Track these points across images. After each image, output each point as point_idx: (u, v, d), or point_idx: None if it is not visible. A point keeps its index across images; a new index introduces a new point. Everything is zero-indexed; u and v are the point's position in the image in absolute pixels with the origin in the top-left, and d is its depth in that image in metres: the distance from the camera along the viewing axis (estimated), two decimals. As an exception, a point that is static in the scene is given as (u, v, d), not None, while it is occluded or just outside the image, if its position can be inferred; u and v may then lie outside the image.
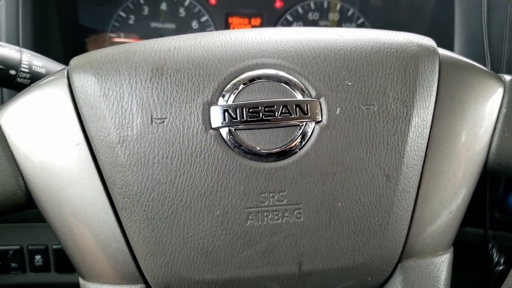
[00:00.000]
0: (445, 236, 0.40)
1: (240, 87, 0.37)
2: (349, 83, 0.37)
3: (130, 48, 0.40)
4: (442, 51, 0.41)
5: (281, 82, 0.37)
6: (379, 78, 0.38)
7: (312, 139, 0.37)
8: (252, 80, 0.37)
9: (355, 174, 0.36)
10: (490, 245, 0.75)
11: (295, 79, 0.37)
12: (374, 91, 0.37)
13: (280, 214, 0.36)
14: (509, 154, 0.40)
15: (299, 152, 0.36)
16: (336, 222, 0.36)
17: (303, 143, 0.36)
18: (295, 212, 0.36)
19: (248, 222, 0.36)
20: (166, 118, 0.36)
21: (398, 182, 0.37)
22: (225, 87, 0.37)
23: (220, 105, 0.36)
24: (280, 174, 0.36)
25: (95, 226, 0.37)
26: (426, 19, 0.86)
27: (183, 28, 0.94)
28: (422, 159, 0.38)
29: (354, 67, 0.38)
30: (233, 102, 0.36)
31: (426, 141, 0.38)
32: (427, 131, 0.38)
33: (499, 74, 0.43)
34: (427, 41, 0.41)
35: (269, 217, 0.36)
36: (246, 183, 0.36)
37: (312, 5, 0.94)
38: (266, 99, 0.37)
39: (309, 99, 0.37)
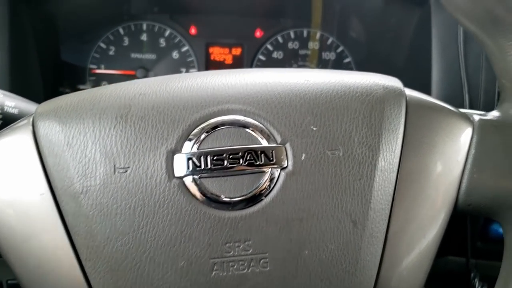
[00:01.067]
0: (416, 277, 0.39)
1: (205, 134, 0.36)
2: (314, 128, 0.37)
3: (95, 94, 0.39)
4: (409, 92, 0.41)
5: (246, 128, 0.37)
6: (344, 122, 0.37)
7: (278, 185, 0.36)
8: (217, 126, 0.37)
9: (321, 221, 0.36)
10: (472, 274, 0.74)
11: (260, 125, 0.37)
12: (339, 136, 0.37)
13: (246, 264, 0.36)
14: (479, 195, 0.40)
15: (265, 200, 0.36)
16: (303, 271, 0.36)
17: (268, 190, 0.36)
18: (261, 261, 0.36)
19: (213, 272, 0.35)
20: (129, 167, 0.36)
21: (365, 227, 0.36)
22: (189, 134, 0.37)
23: (184, 153, 0.36)
24: (246, 222, 0.36)
25: (60, 277, 0.36)
26: (405, 48, 0.87)
27: (163, 58, 0.94)
28: (390, 203, 0.37)
29: (319, 112, 0.38)
30: (197, 149, 0.36)
31: (393, 184, 0.37)
32: (394, 174, 0.37)
33: (468, 113, 0.43)
34: (394, 83, 0.41)
35: (235, 267, 0.36)
36: (211, 233, 0.35)
37: (292, 34, 0.95)
38: (231, 146, 0.36)
39: (275, 145, 0.37)
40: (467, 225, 0.73)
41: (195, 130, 0.37)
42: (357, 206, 0.36)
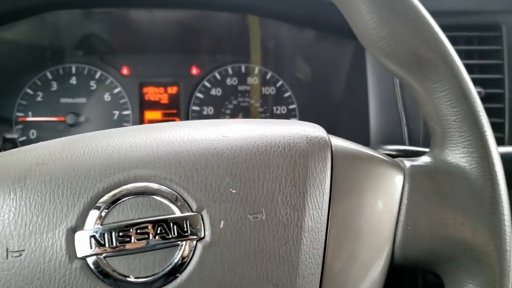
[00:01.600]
0: None
1: (107, 209, 0.32)
2: (234, 191, 0.34)
3: None
4: (334, 141, 0.38)
5: (156, 196, 0.33)
6: (266, 182, 0.34)
7: (194, 260, 0.32)
8: (123, 196, 0.33)
9: None
10: (425, 310, 0.72)
11: (172, 192, 0.33)
12: (261, 198, 0.34)
13: None
14: (415, 249, 0.37)
15: (181, 277, 0.32)
16: None
17: (184, 266, 0.32)
18: None
19: None
20: (24, 250, 0.31)
21: None
22: (92, 208, 0.32)
23: (86, 230, 0.32)
24: None
25: None
26: (343, 81, 0.86)
27: (95, 101, 0.89)
28: (320, 267, 0.34)
29: (239, 172, 0.34)
30: (100, 225, 0.32)
31: (323, 245, 0.34)
32: (323, 234, 0.34)
33: (399, 159, 0.41)
34: (318, 132, 0.38)
35: None
36: None
37: (230, 70, 0.93)
38: (139, 218, 0.32)
39: (189, 214, 0.33)
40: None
41: (98, 203, 0.33)
42: (284, 275, 0.33)
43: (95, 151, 0.35)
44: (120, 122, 0.89)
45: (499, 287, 0.36)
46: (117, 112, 0.89)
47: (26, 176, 0.33)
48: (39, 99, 0.88)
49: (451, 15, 0.71)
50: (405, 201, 0.38)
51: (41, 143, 0.38)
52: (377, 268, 0.37)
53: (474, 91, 0.38)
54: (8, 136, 0.87)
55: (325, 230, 0.35)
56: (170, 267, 0.32)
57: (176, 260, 0.32)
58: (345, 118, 0.85)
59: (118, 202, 0.33)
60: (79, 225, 0.32)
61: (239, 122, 0.40)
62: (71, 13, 0.80)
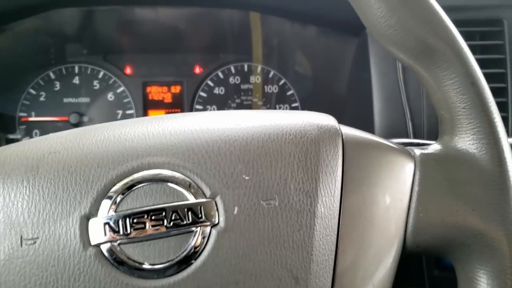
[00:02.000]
0: None
1: (122, 195, 0.32)
2: (247, 178, 0.34)
3: (0, 155, 0.35)
4: (345, 130, 0.38)
5: (170, 183, 0.33)
6: (279, 168, 0.34)
7: (209, 245, 0.32)
8: (136, 184, 0.33)
9: (260, 281, 0.32)
10: (432, 305, 0.72)
11: (186, 178, 0.33)
12: (274, 184, 0.34)
13: None
14: (427, 235, 0.37)
15: (195, 263, 0.32)
16: None
17: (198, 252, 0.32)
18: None
19: None
20: (38, 237, 0.31)
21: (308, 283, 0.33)
22: (105, 196, 0.32)
23: (100, 217, 0.32)
24: None
25: None
26: (346, 78, 0.87)
27: (98, 101, 0.89)
28: (333, 253, 0.34)
29: (251, 159, 0.34)
30: (114, 212, 0.32)
31: (336, 232, 0.34)
32: (335, 221, 0.35)
33: (409, 148, 0.41)
34: (328, 121, 0.38)
35: None
36: None
37: (233, 69, 0.93)
38: (153, 205, 0.32)
39: (203, 200, 0.33)
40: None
41: (112, 190, 0.33)
42: (298, 260, 0.33)
43: (107, 140, 0.35)
44: (124, 122, 0.89)
45: (510, 272, 0.36)
46: (120, 112, 0.90)
47: (38, 164, 0.33)
48: (42, 99, 0.88)
49: (452, 10, 0.71)
50: (416, 188, 0.38)
51: (51, 134, 0.38)
52: (390, 255, 0.37)
53: (482, 79, 0.38)
54: (12, 136, 0.87)
55: (337, 217, 0.35)
56: (184, 253, 0.32)
57: (190, 247, 0.32)
58: (349, 114, 0.85)
59: (131, 189, 0.33)
60: (93, 212, 0.32)
61: (250, 111, 0.40)
62: (75, 11, 0.81)
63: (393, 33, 0.38)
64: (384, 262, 0.36)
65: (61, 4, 0.76)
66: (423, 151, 0.40)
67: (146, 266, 0.32)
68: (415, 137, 0.70)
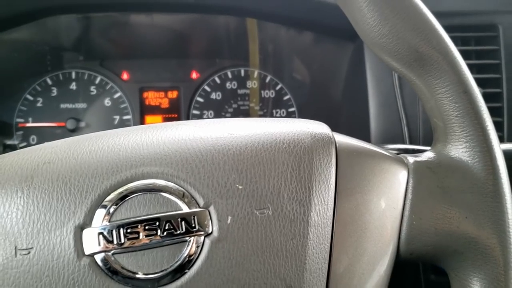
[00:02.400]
0: None
1: (115, 205, 0.33)
2: (240, 187, 0.34)
3: None
4: (338, 138, 0.38)
5: (164, 193, 0.33)
6: (272, 178, 0.35)
7: (203, 255, 0.32)
8: (130, 193, 0.33)
9: None
10: (428, 309, 0.72)
11: (180, 188, 0.33)
12: (267, 193, 0.34)
13: None
14: (421, 243, 0.37)
15: (189, 272, 0.32)
16: None
17: (192, 262, 0.32)
18: None
19: None
20: (32, 248, 0.31)
21: None
22: (99, 206, 0.33)
23: (94, 227, 0.32)
24: None
25: None
26: (342, 83, 0.87)
27: (95, 106, 0.90)
28: (327, 261, 0.34)
29: (244, 168, 0.35)
30: (108, 222, 0.32)
31: (329, 241, 0.35)
32: (329, 229, 0.35)
33: (402, 155, 0.41)
34: (322, 129, 0.38)
35: None
36: None
37: (229, 74, 0.93)
38: (147, 215, 0.33)
39: (197, 209, 0.33)
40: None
41: (106, 200, 0.33)
42: (291, 269, 0.33)
43: (101, 150, 0.35)
44: (121, 127, 0.89)
45: (504, 280, 0.36)
46: (117, 117, 0.90)
47: (33, 174, 0.34)
48: (39, 104, 0.88)
49: (448, 16, 0.71)
50: (409, 196, 0.38)
51: (46, 143, 0.38)
52: (384, 262, 0.37)
53: (475, 87, 0.38)
54: (9, 142, 0.87)
55: (331, 225, 0.35)
56: (178, 263, 0.32)
57: (184, 256, 0.32)
58: (345, 119, 0.85)
59: (125, 199, 0.33)
60: (87, 222, 0.32)
61: (243, 120, 0.40)
62: (71, 18, 0.81)
63: (386, 42, 0.38)
64: (378, 270, 0.36)
65: (57, 12, 0.76)
66: (417, 159, 0.40)
67: (140, 275, 0.32)
68: (410, 142, 0.70)
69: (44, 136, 0.88)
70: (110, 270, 0.32)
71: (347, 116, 0.85)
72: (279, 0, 0.74)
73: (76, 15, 0.81)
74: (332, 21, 0.77)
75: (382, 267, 0.37)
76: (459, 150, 0.38)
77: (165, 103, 0.91)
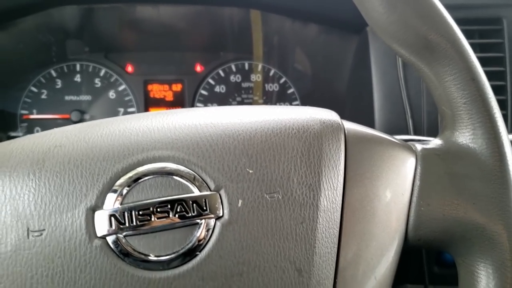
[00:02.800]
0: None
1: (128, 187, 0.33)
2: (251, 171, 0.34)
3: (5, 149, 0.35)
4: (347, 125, 0.39)
5: (175, 176, 0.33)
6: (282, 162, 0.35)
7: (214, 238, 0.33)
8: (142, 177, 0.33)
9: (263, 273, 0.33)
10: (431, 301, 0.73)
11: (191, 172, 0.34)
12: (277, 177, 0.34)
13: None
14: (428, 228, 0.38)
15: (200, 255, 0.32)
16: None
17: (203, 244, 0.33)
18: None
19: None
20: (44, 229, 0.32)
21: (311, 275, 0.33)
22: (111, 188, 0.33)
23: (106, 210, 0.32)
24: (180, 282, 0.32)
25: None
26: (346, 76, 0.87)
27: (99, 99, 0.90)
28: (336, 246, 0.35)
29: (254, 153, 0.35)
30: (120, 205, 0.32)
31: (338, 225, 0.35)
32: (338, 214, 0.35)
33: (410, 142, 0.41)
34: (331, 116, 0.39)
35: None
36: None
37: (233, 68, 0.94)
38: (158, 197, 0.33)
39: (208, 193, 0.33)
40: (422, 250, 0.72)
41: (117, 183, 0.33)
42: (301, 253, 0.33)
43: (112, 134, 0.35)
44: (125, 119, 0.89)
45: (510, 265, 0.36)
46: (122, 110, 0.90)
47: (44, 158, 0.34)
48: (43, 96, 0.89)
49: (453, 8, 0.71)
50: (417, 182, 0.38)
51: (56, 128, 0.38)
52: (392, 248, 0.37)
53: (483, 75, 0.39)
54: (13, 134, 0.88)
55: (340, 210, 0.35)
56: (189, 245, 0.32)
57: (195, 238, 0.32)
58: (350, 112, 0.85)
59: (137, 182, 0.33)
60: (99, 204, 0.32)
61: (253, 107, 0.40)
62: (76, 9, 0.81)
63: (394, 29, 0.39)
64: (386, 256, 0.37)
65: (62, 2, 0.76)
66: (425, 146, 0.40)
67: (152, 257, 0.32)
68: (415, 134, 0.71)
69: (48, 128, 0.87)
70: (122, 252, 0.32)
71: (352, 108, 0.85)
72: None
73: (82, 6, 0.81)
74: (338, 13, 0.77)
75: (391, 252, 0.37)
76: (467, 137, 0.39)
77: (169, 96, 0.91)
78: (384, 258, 0.37)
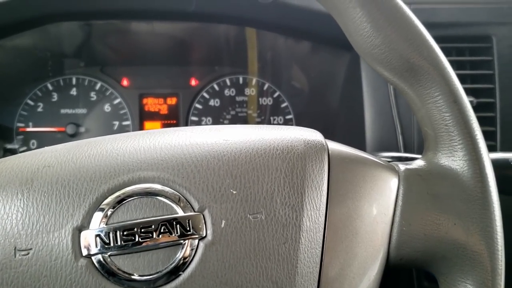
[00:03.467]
0: None
1: (112, 208, 0.33)
2: (234, 192, 0.35)
3: None
4: (331, 145, 0.39)
5: (160, 197, 0.34)
6: (266, 183, 0.36)
7: (197, 258, 0.33)
8: (127, 197, 0.34)
9: None
10: (422, 316, 0.73)
11: (175, 193, 0.34)
12: (261, 198, 0.35)
13: None
14: (410, 248, 0.38)
15: (183, 275, 0.33)
16: None
17: (187, 264, 0.33)
18: None
19: None
20: (31, 248, 0.32)
21: None
22: (97, 208, 0.34)
23: (92, 230, 0.33)
24: None
25: None
26: (338, 91, 0.88)
27: (95, 112, 0.91)
28: (318, 266, 0.35)
29: (239, 173, 0.36)
30: (105, 225, 0.33)
31: (320, 245, 0.35)
32: (320, 234, 0.36)
33: (393, 163, 0.42)
34: (315, 137, 0.39)
35: None
36: None
37: (228, 82, 0.95)
38: (143, 218, 0.34)
39: (192, 213, 0.34)
40: (412, 266, 0.72)
41: (103, 203, 0.34)
42: (283, 273, 0.34)
43: (100, 154, 0.36)
44: (120, 133, 0.90)
45: (491, 285, 0.37)
46: (117, 123, 0.91)
47: (33, 178, 0.35)
48: (39, 109, 0.89)
49: (443, 26, 0.73)
50: (400, 202, 0.39)
51: (46, 147, 0.39)
52: (374, 267, 0.38)
53: (465, 97, 0.39)
54: (9, 146, 0.88)
55: (322, 230, 0.36)
56: (173, 265, 0.33)
57: (179, 258, 0.33)
58: (341, 127, 0.86)
59: (122, 203, 0.34)
60: (85, 224, 0.33)
61: (238, 127, 0.41)
62: (73, 25, 0.82)
63: (378, 52, 0.40)
64: (368, 274, 0.37)
65: (59, 19, 0.77)
66: (407, 167, 0.41)
67: (136, 277, 0.33)
68: (405, 151, 0.71)
69: (44, 140, 0.89)
70: (107, 271, 0.32)
71: (343, 124, 0.86)
72: (277, 10, 0.75)
73: (78, 22, 0.82)
74: (329, 31, 0.78)
75: (373, 272, 0.38)
76: (449, 158, 0.39)
77: (164, 110, 0.92)
78: (366, 277, 0.37)
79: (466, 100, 0.39)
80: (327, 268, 0.35)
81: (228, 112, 0.94)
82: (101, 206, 0.34)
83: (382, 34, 0.39)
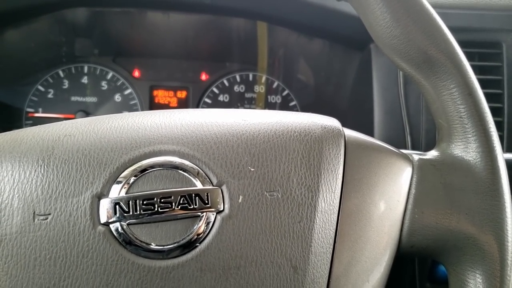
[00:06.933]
0: None
1: (134, 177, 0.34)
2: (252, 169, 0.36)
3: (17, 136, 0.36)
4: (347, 132, 0.40)
5: (180, 170, 0.35)
6: (283, 163, 0.36)
7: (214, 231, 0.34)
8: (148, 168, 0.34)
9: (260, 267, 0.34)
10: (422, 317, 0.73)
11: (195, 166, 0.35)
12: (277, 177, 0.36)
13: None
14: (421, 236, 0.39)
15: (200, 246, 0.34)
16: None
17: (203, 236, 0.34)
18: None
19: None
20: (50, 214, 0.33)
21: (306, 273, 0.34)
22: (117, 178, 0.34)
23: (111, 198, 0.33)
24: (179, 272, 0.33)
25: None
26: (348, 91, 0.89)
27: (105, 101, 0.91)
28: (331, 246, 0.36)
29: (257, 152, 0.36)
30: (125, 194, 0.34)
31: (334, 226, 0.36)
32: (335, 216, 0.36)
33: (408, 153, 0.43)
34: (332, 122, 0.40)
35: None
36: (140, 285, 0.32)
37: (238, 78, 0.95)
38: (162, 189, 0.34)
39: (210, 187, 0.35)
40: (415, 266, 0.72)
41: (124, 173, 0.34)
42: (297, 251, 0.35)
43: (121, 127, 0.37)
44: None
45: (499, 276, 0.37)
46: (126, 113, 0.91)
47: (54, 146, 0.35)
48: (50, 96, 0.90)
49: (454, 31, 0.73)
50: (413, 191, 0.39)
51: (67, 121, 0.40)
52: (386, 252, 0.38)
53: (479, 91, 0.40)
54: (18, 131, 0.89)
55: (337, 212, 0.36)
56: (190, 236, 0.33)
57: (196, 231, 0.33)
58: (350, 126, 0.87)
59: (143, 173, 0.34)
60: (104, 192, 0.34)
61: (258, 110, 0.42)
62: (88, 11, 0.83)
63: (397, 43, 0.40)
64: (380, 260, 0.38)
65: (75, 4, 0.78)
66: (421, 156, 0.42)
67: (153, 246, 0.33)
68: (413, 150, 0.72)
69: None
70: (124, 240, 0.33)
71: (352, 123, 0.87)
72: (292, 6, 0.76)
73: (94, 9, 0.83)
74: (342, 30, 0.79)
75: (384, 257, 0.38)
76: (462, 149, 0.40)
77: (173, 102, 0.93)
78: (377, 262, 0.38)
79: (481, 93, 0.40)
80: (340, 249, 0.36)
81: (237, 108, 0.95)
82: (121, 176, 0.34)
83: (401, 25, 0.40)
